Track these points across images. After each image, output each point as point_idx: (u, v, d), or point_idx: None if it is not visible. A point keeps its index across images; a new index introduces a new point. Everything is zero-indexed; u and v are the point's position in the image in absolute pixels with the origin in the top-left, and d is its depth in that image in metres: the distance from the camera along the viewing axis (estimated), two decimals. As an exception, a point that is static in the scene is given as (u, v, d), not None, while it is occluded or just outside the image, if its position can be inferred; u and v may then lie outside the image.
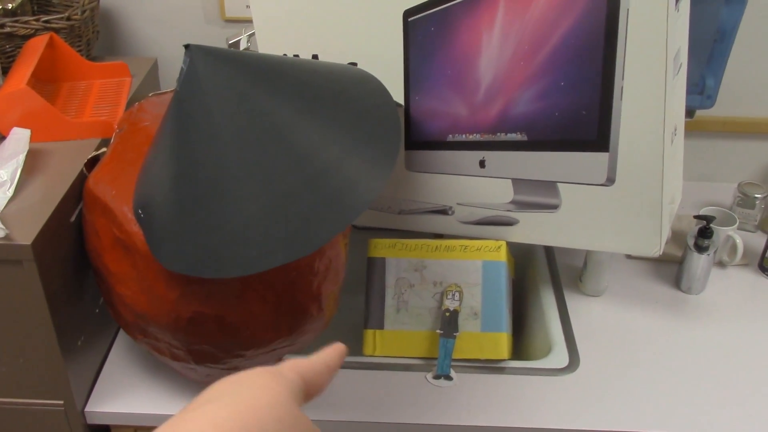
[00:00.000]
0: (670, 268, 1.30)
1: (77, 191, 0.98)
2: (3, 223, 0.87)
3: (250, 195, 0.75)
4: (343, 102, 0.84)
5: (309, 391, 0.56)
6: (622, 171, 1.00)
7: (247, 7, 1.37)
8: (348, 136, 0.80)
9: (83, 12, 1.22)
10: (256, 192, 0.76)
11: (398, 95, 1.10)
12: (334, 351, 0.57)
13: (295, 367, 0.55)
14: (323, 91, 0.83)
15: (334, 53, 1.10)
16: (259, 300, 0.87)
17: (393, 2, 1.03)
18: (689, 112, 1.32)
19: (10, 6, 1.21)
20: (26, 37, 1.16)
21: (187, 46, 0.78)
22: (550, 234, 1.11)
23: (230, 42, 1.32)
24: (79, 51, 1.24)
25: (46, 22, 1.17)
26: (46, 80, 1.18)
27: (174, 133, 0.80)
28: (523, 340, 1.28)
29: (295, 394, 0.51)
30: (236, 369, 0.95)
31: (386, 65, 1.08)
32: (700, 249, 1.20)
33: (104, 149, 1.03)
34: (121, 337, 1.14)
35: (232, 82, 0.78)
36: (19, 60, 1.12)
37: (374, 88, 0.89)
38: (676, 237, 1.34)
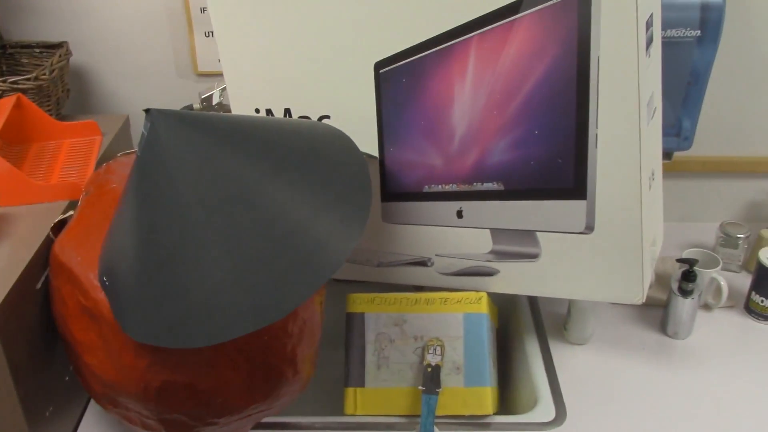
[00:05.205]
0: (656, 312, 1.28)
1: (44, 257, 0.95)
2: (-37, 295, 0.84)
3: (215, 261, 0.73)
4: (312, 161, 0.82)
5: None
6: (601, 219, 0.99)
7: (219, 60, 1.36)
8: (317, 197, 0.78)
9: (51, 72, 1.20)
10: (222, 257, 0.73)
11: (373, 147, 1.08)
12: None
13: None
14: (291, 151, 0.82)
15: (306, 107, 1.09)
16: (231, 366, 0.84)
17: (364, 54, 1.02)
18: (667, 155, 1.31)
19: (-23, 68, 1.20)
20: (-7, 99, 1.15)
21: (147, 111, 0.76)
22: (530, 284, 1.09)
23: (203, 96, 1.31)
24: (49, 110, 1.22)
25: (14, 83, 1.15)
26: (13, 142, 1.15)
27: (136, 198, 0.78)
28: (508, 391, 1.25)
29: None
30: (210, 437, 0.92)
31: (359, 117, 1.07)
32: (685, 293, 1.18)
33: (71, 212, 1.00)
34: (94, 405, 1.10)
35: (195, 146, 0.76)
36: (-15, 122, 1.10)
37: (343, 145, 0.87)
38: (660, 280, 1.32)
